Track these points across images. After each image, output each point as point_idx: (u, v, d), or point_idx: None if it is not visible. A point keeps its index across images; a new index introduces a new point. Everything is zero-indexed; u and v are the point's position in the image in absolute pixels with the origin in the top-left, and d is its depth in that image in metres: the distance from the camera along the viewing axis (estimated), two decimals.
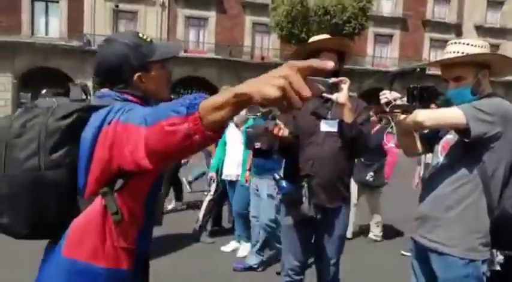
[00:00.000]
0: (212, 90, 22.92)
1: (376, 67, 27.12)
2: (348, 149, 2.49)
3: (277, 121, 2.40)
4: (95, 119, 1.28)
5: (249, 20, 25.73)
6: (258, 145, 3.89)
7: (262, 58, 25.52)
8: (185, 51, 24.84)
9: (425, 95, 1.91)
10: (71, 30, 23.29)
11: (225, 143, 4.72)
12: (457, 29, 28.35)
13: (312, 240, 2.68)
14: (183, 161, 5.98)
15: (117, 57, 1.39)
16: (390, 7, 27.79)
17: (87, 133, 1.27)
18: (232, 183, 4.66)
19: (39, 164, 1.25)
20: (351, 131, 2.39)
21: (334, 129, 2.47)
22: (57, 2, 23.46)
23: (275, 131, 2.33)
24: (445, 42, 26.94)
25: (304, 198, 2.43)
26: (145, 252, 1.47)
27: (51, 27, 23.74)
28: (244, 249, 4.63)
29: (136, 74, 1.40)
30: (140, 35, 1.46)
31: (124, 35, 1.45)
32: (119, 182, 1.27)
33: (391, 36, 27.94)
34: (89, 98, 1.41)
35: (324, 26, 20.25)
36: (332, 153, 2.47)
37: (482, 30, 27.93)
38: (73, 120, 1.28)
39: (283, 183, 2.53)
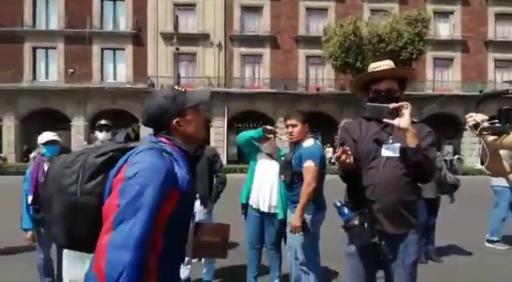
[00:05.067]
0: (269, 122, 23.23)
1: (438, 92, 26.18)
2: (412, 174, 2.39)
3: (346, 147, 2.33)
4: (122, 158, 1.56)
5: (302, 53, 26.18)
6: (282, 178, 3.79)
7: (317, 89, 25.64)
8: (242, 87, 25.68)
9: None
10: (136, 74, 25.04)
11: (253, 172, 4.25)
12: None
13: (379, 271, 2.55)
14: None
15: (158, 107, 1.65)
16: (448, 30, 27.03)
17: (113, 170, 1.55)
18: (268, 216, 4.11)
19: (76, 190, 1.55)
20: (415, 155, 2.31)
21: (396, 154, 2.39)
22: (124, 49, 25.47)
23: (342, 157, 2.29)
24: (510, 61, 25.59)
25: (365, 224, 2.35)
26: (172, 279, 1.62)
27: (119, 72, 25.70)
28: None
29: (174, 120, 1.64)
30: (176, 87, 1.72)
31: (163, 90, 1.73)
32: None
33: (451, 59, 26.99)
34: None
35: (379, 53, 20.06)
36: (393, 179, 2.39)
37: None
38: (107, 158, 1.58)
39: (345, 209, 2.45)
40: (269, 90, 25.46)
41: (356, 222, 2.38)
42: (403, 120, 2.30)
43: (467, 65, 26.77)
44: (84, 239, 1.54)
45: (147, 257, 1.47)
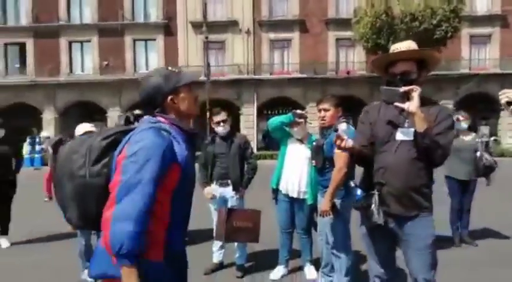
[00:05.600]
0: (299, 108, 23.02)
1: (474, 70, 25.10)
2: (424, 158, 2.38)
3: (339, 133, 2.37)
4: (124, 139, 1.67)
5: (332, 36, 25.70)
6: (313, 163, 3.80)
7: (348, 72, 25.17)
8: (271, 73, 25.58)
9: None
10: (167, 64, 25.37)
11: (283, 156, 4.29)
12: None
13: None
14: None
15: (153, 86, 1.75)
16: (486, 5, 25.70)
17: (117, 150, 1.67)
18: (297, 201, 4.21)
19: (85, 173, 1.68)
20: (423, 140, 2.29)
21: (410, 138, 2.39)
22: (155, 39, 25.86)
23: (337, 143, 2.33)
24: None
25: (373, 206, 2.39)
26: (178, 250, 1.73)
27: (151, 62, 26.17)
28: (312, 272, 4.32)
29: (169, 97, 1.75)
30: (170, 68, 1.83)
31: (157, 70, 1.83)
32: None
33: (489, 35, 25.73)
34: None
35: (412, 33, 19.41)
36: (404, 162, 2.39)
37: None
38: (111, 140, 1.72)
39: (357, 191, 2.52)
40: (299, 75, 25.22)
41: (365, 203, 2.44)
42: (412, 104, 2.30)
43: (506, 41, 25.37)
44: (96, 218, 1.63)
45: (155, 230, 1.59)
